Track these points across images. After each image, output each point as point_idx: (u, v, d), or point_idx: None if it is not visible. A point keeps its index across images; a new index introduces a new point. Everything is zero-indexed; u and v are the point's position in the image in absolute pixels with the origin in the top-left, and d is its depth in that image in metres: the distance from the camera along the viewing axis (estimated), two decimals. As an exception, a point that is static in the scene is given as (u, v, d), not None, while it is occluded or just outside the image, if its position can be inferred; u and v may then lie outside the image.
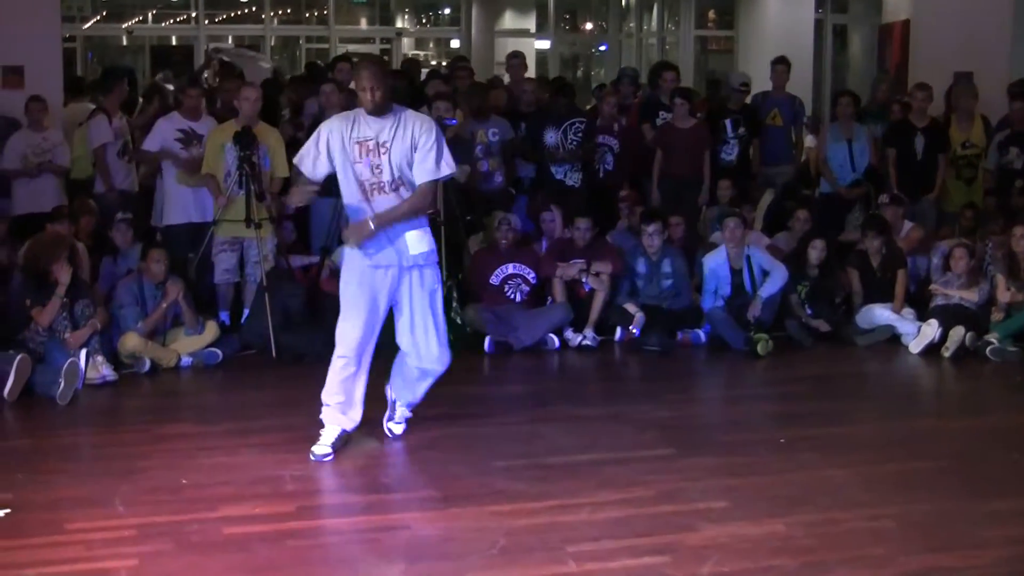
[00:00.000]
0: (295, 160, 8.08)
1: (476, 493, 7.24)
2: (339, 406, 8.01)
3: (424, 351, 8.03)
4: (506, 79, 15.25)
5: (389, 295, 7.94)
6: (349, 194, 7.92)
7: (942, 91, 14.23)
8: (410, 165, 7.77)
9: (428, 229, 8.10)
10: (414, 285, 7.94)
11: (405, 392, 8.28)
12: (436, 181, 8.05)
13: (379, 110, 7.75)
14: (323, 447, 7.90)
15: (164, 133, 11.67)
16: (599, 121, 13.35)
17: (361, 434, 8.28)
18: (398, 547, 6.47)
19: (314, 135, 7.98)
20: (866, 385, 10.64)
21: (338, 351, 7.98)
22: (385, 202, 7.80)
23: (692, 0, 25.11)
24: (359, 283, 7.91)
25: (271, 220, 11.20)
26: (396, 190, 7.82)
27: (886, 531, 6.72)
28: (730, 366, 10.99)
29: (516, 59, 15.10)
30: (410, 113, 7.94)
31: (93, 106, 13.17)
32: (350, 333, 7.92)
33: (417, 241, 7.95)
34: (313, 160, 7.90)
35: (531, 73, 23.58)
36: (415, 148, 7.75)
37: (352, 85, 9.84)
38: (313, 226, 12.35)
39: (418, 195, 7.85)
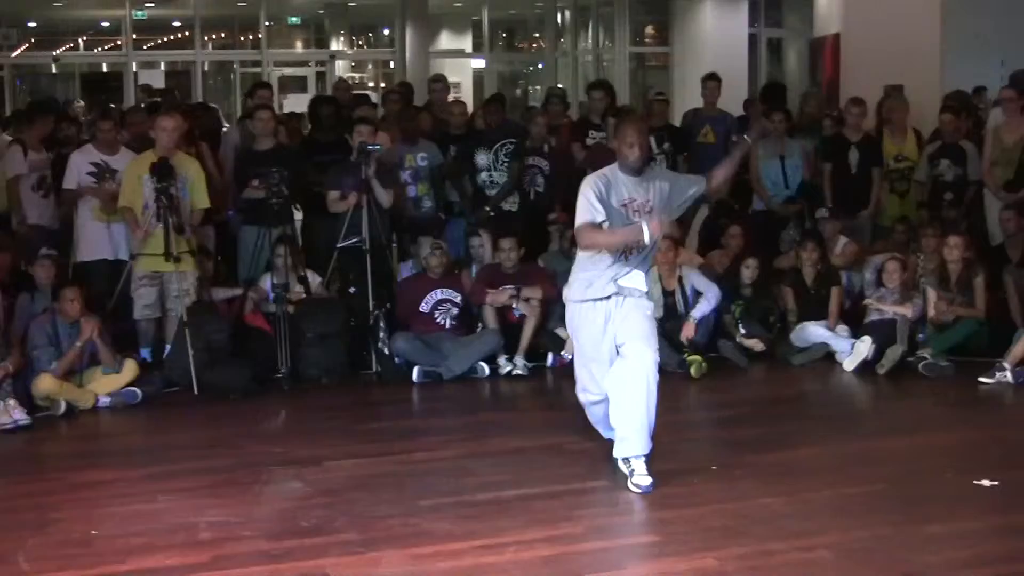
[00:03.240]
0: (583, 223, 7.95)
1: (398, 535, 7.02)
2: None
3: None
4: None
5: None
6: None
7: (873, 104, 14.13)
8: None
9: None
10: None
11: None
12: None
13: (641, 169, 7.89)
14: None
15: (79, 167, 11.43)
16: (528, 143, 13.15)
17: (284, 476, 8.14)
18: (314, 596, 6.24)
19: (586, 195, 7.91)
20: (801, 407, 10.47)
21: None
22: (638, 259, 7.95)
23: (627, 17, 25.05)
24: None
25: (191, 253, 10.94)
26: (653, 246, 7.99)
27: (822, 562, 6.56)
28: (664, 390, 10.71)
29: (438, 83, 15.01)
30: (654, 166, 8.25)
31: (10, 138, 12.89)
32: None
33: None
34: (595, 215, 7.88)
35: (468, 93, 23.57)
36: (671, 193, 7.99)
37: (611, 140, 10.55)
38: (239, 258, 12.13)
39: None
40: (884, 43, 15.58)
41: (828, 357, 11.41)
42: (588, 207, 7.83)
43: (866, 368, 11.02)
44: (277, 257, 11.10)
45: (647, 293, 8.12)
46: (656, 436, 8.72)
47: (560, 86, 19.95)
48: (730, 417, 9.90)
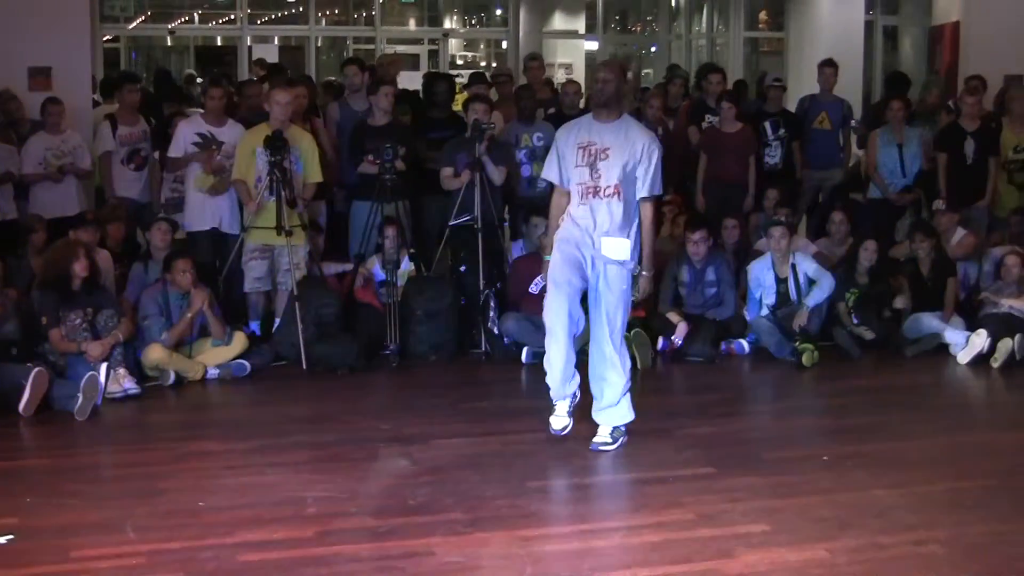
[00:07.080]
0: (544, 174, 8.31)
1: (506, 516, 6.99)
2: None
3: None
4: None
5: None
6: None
7: (993, 94, 13.88)
8: (630, 177, 7.89)
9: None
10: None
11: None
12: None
13: (608, 103, 7.88)
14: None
15: (185, 137, 11.46)
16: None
17: (392, 453, 8.16)
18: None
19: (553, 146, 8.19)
20: (914, 398, 10.24)
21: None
22: (600, 207, 7.91)
23: (742, 1, 24.84)
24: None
25: (303, 227, 10.95)
26: (613, 196, 7.91)
27: (934, 557, 6.43)
28: (775, 378, 10.70)
29: (534, 61, 15.06)
30: (635, 123, 8.04)
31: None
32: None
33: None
34: (557, 169, 8.12)
35: (580, 74, 23.47)
36: (634, 157, 7.87)
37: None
38: (350, 232, 12.11)
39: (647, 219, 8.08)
40: (1004, 32, 15.34)
41: (941, 349, 11.21)
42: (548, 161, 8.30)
43: (980, 362, 10.82)
44: (385, 239, 11.06)
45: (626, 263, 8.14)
46: (767, 424, 8.61)
47: (681, 67, 19.80)
48: (841, 406, 9.75)
